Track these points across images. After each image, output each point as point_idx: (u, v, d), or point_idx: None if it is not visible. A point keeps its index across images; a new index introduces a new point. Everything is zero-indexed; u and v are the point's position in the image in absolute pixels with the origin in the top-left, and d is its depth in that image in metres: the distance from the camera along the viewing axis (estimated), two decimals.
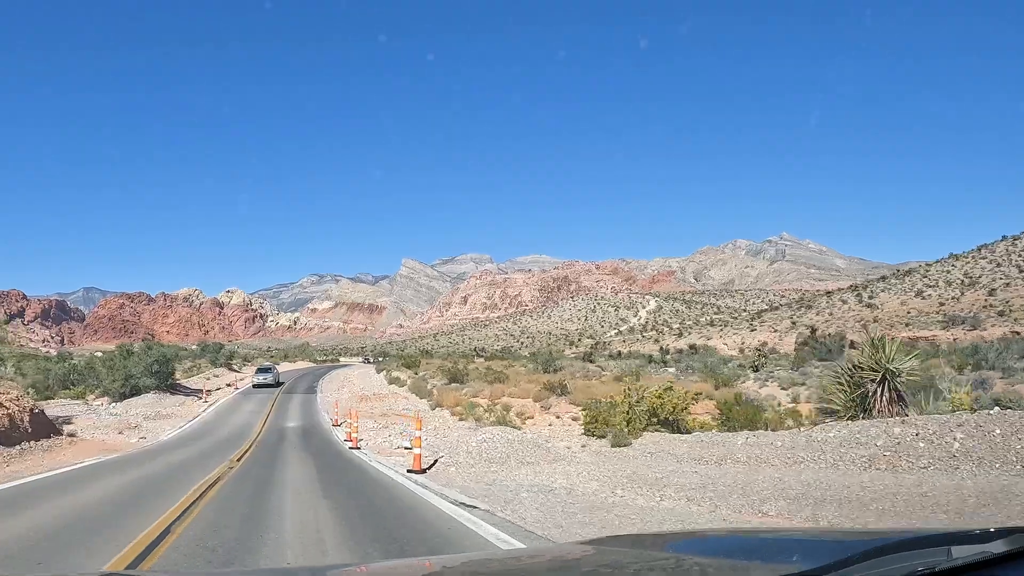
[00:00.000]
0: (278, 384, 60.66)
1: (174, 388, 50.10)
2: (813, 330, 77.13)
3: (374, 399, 45.34)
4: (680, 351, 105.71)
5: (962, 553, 1.78)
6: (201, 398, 46.83)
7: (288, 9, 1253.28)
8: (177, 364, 60.16)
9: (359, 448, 22.91)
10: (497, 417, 29.26)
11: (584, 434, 23.37)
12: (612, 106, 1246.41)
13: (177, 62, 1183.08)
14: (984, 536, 1.82)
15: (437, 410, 35.98)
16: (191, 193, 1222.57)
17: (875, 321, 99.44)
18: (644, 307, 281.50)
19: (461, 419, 31.06)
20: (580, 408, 26.95)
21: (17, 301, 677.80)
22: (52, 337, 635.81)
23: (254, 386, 58.33)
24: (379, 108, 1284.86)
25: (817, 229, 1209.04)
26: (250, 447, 23.70)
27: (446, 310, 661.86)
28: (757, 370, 49.66)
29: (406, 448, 20.52)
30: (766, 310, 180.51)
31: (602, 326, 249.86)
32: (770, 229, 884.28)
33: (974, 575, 1.74)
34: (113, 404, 38.75)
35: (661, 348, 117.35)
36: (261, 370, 64.91)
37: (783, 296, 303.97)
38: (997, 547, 1.79)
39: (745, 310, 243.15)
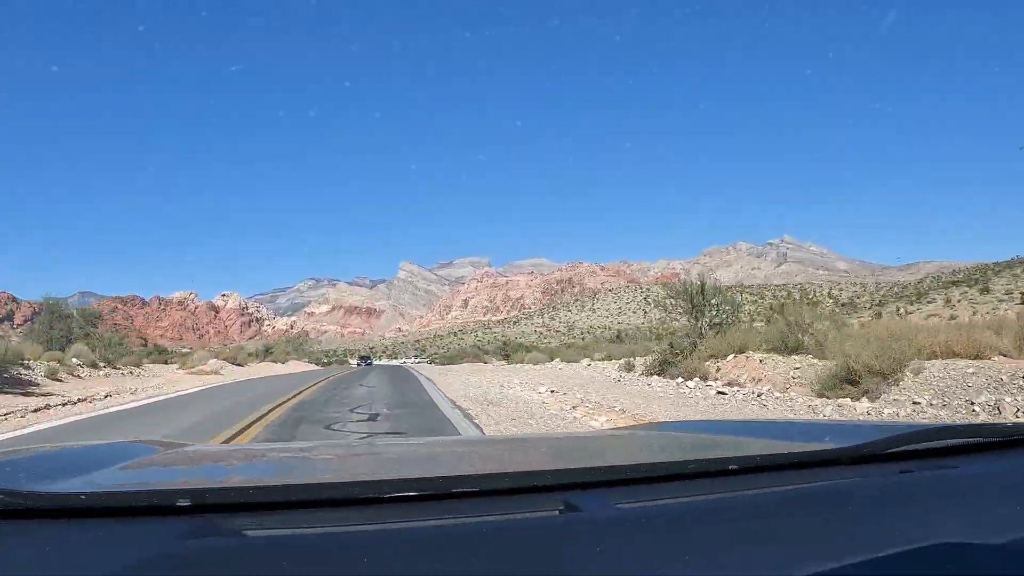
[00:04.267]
0: None
1: None
2: None
3: None
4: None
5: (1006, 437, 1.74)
6: None
7: (282, 9, 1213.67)
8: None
9: None
10: None
11: None
12: (610, 109, 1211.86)
13: (171, 63, 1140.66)
14: (1017, 428, 1.78)
15: None
16: (188, 197, 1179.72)
17: None
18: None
19: None
20: None
21: (5, 304, 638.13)
22: None
23: None
24: (376, 111, 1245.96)
25: (817, 232, 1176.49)
26: None
27: (446, 313, 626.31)
28: None
29: None
30: (903, 294, 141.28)
31: (675, 319, 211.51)
32: (771, 232, 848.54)
33: (1015, 453, 1.70)
34: None
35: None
36: None
37: (839, 291, 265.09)
38: None
39: (823, 302, 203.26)
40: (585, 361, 31.74)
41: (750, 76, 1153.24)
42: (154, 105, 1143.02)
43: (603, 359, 30.82)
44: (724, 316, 19.27)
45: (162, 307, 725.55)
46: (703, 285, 19.91)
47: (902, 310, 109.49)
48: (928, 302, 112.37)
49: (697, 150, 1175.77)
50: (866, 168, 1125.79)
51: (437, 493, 1.28)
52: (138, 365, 33.93)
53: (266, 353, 75.13)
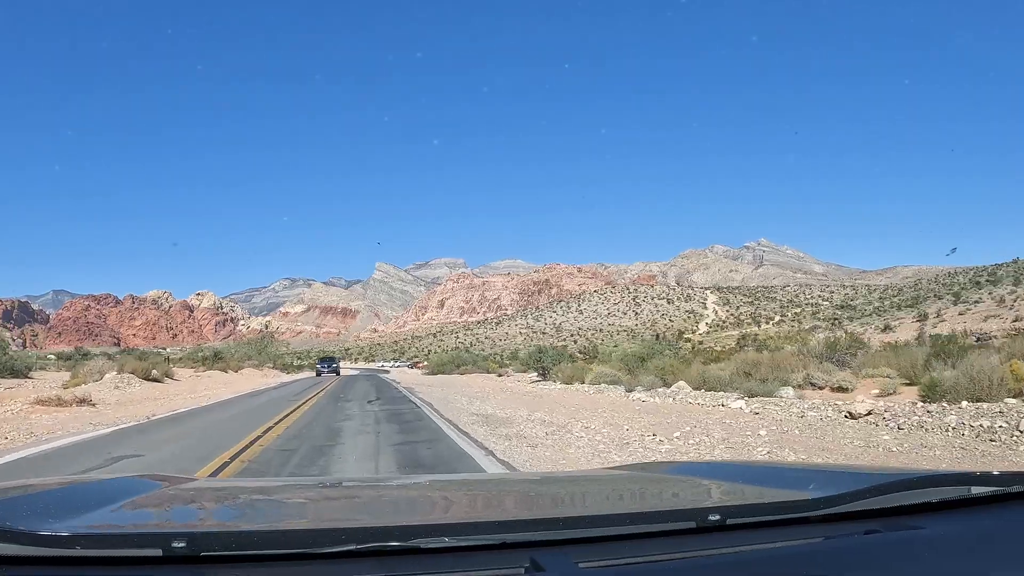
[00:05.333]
0: None
1: None
2: None
3: None
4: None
5: (981, 492, 1.69)
6: None
7: (262, 12, 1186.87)
8: None
9: None
10: None
11: None
12: (585, 110, 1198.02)
13: (148, 63, 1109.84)
14: (1004, 478, 1.74)
15: None
16: (164, 195, 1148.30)
17: None
18: (703, 300, 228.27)
19: None
20: None
21: None
22: (13, 339, 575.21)
23: None
24: (351, 111, 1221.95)
25: (794, 235, 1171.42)
26: None
27: (422, 314, 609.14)
28: None
29: None
30: (906, 302, 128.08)
31: (671, 321, 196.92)
32: (748, 234, 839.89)
33: (986, 513, 1.67)
34: None
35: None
36: None
37: (830, 293, 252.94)
38: (1016, 488, 1.71)
39: (819, 304, 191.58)
40: (787, 393, 16.00)
41: (727, 76, 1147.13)
42: (129, 103, 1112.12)
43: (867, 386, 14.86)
44: None
45: (135, 306, 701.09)
46: None
47: (944, 312, 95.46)
48: (975, 302, 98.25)
49: (675, 151, 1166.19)
50: (841, 171, 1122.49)
51: (404, 548, 1.28)
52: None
53: (215, 359, 58.40)
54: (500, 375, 42.91)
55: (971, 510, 1.66)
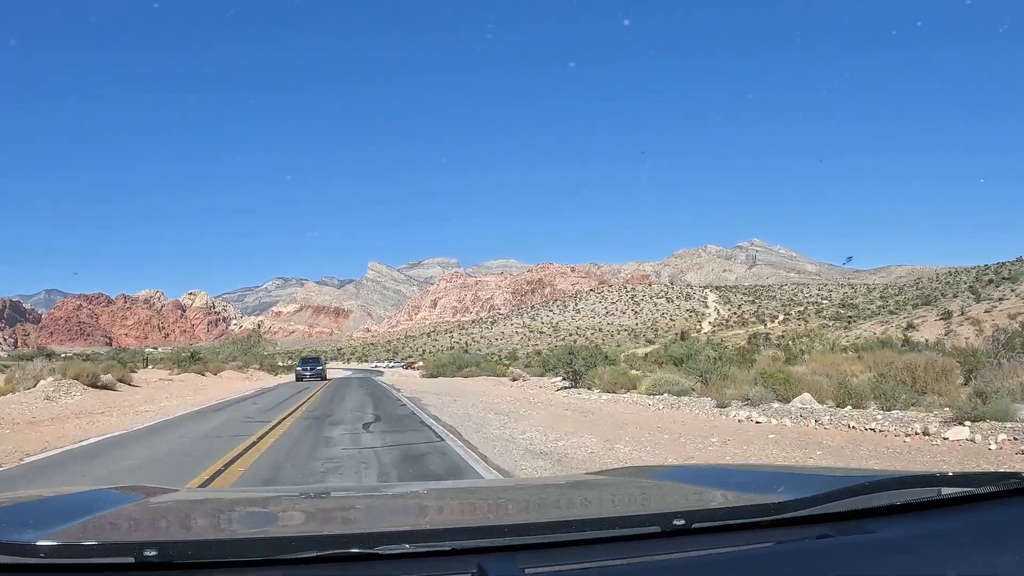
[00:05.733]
0: None
1: None
2: None
3: None
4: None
5: (951, 493, 1.68)
6: None
7: (250, 14, 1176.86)
8: None
9: None
10: None
11: None
12: (582, 110, 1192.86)
13: (136, 64, 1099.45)
14: (975, 478, 1.74)
15: None
16: (158, 196, 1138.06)
17: None
18: (704, 299, 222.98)
19: None
20: None
21: None
22: (5, 339, 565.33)
23: None
24: (343, 111, 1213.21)
25: (787, 235, 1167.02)
26: None
27: (415, 313, 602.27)
28: None
29: None
30: (912, 301, 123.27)
31: (672, 320, 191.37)
32: (741, 234, 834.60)
33: (959, 514, 1.64)
34: None
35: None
36: None
37: (828, 292, 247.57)
38: (986, 489, 1.69)
39: (819, 303, 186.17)
40: None
41: (726, 76, 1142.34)
42: (122, 103, 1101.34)
43: None
44: None
45: (128, 305, 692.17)
46: None
47: (969, 310, 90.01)
48: (999, 299, 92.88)
49: (670, 151, 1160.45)
50: (837, 172, 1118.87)
51: (363, 554, 1.32)
52: None
53: (192, 360, 52.34)
54: (515, 379, 36.98)
55: (937, 512, 1.63)
